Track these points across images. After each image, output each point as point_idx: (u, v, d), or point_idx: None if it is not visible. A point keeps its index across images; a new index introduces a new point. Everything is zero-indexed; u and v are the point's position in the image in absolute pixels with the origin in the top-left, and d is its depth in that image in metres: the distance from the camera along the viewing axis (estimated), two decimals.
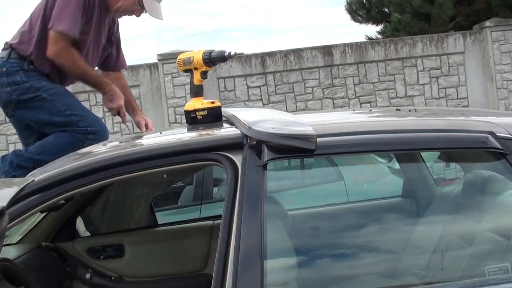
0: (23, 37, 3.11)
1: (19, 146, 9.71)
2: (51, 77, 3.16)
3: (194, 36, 56.76)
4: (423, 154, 2.74)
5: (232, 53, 2.46)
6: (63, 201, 2.40)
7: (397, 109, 2.57)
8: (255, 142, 1.88)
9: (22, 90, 3.04)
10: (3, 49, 3.16)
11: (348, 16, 13.74)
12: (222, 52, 2.47)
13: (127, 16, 3.27)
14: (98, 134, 2.98)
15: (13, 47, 3.11)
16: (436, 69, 9.78)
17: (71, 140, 2.95)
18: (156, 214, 3.68)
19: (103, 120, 8.89)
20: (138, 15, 3.21)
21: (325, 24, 51.66)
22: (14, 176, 2.94)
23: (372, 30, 24.78)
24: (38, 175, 2.08)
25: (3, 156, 3.17)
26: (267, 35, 57.04)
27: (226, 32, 59.39)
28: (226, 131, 2.13)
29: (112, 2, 3.15)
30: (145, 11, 3.16)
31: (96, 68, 3.42)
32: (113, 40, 3.38)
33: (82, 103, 3.29)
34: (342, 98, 9.69)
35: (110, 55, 3.40)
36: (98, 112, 9.01)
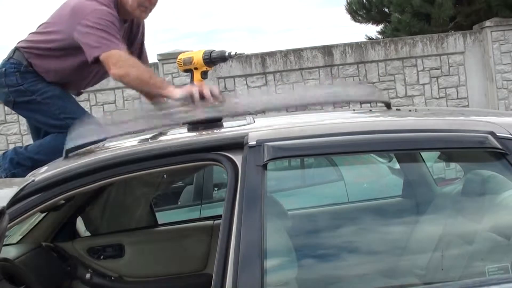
0: (39, 47, 3.00)
1: (19, 146, 9.68)
2: (48, 78, 3.07)
3: (188, 37, 56.62)
4: (423, 154, 2.74)
5: (233, 53, 2.47)
6: (63, 201, 2.41)
7: (397, 109, 2.57)
8: (255, 142, 1.88)
9: (18, 92, 3.02)
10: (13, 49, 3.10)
11: (348, 16, 13.75)
12: (223, 52, 2.47)
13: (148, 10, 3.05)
14: None
15: (17, 48, 3.06)
16: (436, 69, 9.78)
17: None
18: (156, 214, 3.68)
19: None
20: (154, 3, 3.01)
21: (321, 24, 51.64)
22: (13, 174, 2.94)
23: (372, 30, 24.84)
24: (38, 175, 2.08)
25: (4, 153, 3.16)
26: (262, 36, 56.98)
27: (221, 33, 59.27)
28: (226, 131, 2.13)
29: (126, 7, 2.97)
30: None
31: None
32: (136, 42, 3.25)
33: (82, 103, 3.27)
34: None
35: (134, 53, 3.24)
36: (98, 112, 9.00)
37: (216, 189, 5.95)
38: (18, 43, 3.11)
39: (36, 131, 3.25)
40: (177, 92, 2.57)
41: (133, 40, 3.23)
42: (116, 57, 2.74)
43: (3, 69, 3.05)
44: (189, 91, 2.48)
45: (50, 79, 3.05)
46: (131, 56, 2.80)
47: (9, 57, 3.07)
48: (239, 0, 58.95)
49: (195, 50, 2.55)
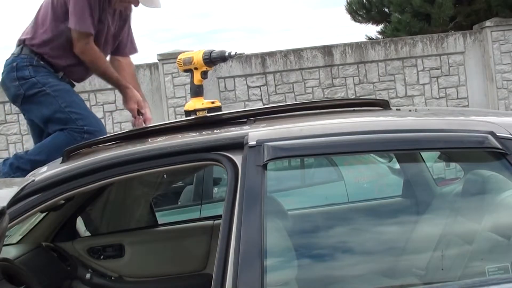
0: (36, 32, 3.17)
1: (19, 146, 9.74)
2: (64, 72, 3.22)
3: (187, 37, 56.62)
4: (423, 154, 2.74)
5: (233, 53, 2.47)
6: (63, 201, 2.40)
7: (397, 109, 2.57)
8: (255, 142, 1.88)
9: (29, 84, 3.11)
10: (17, 46, 3.23)
11: (348, 16, 13.76)
12: (223, 52, 2.47)
13: (127, 5, 3.31)
14: (94, 134, 3.00)
15: (25, 43, 3.18)
16: (436, 69, 9.78)
17: (68, 139, 2.97)
18: (156, 214, 3.68)
19: (103, 120, 8.93)
20: (136, 5, 3.26)
21: (321, 24, 51.64)
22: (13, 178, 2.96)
23: (372, 30, 24.82)
24: (38, 175, 2.08)
25: (5, 160, 3.21)
26: (262, 36, 56.99)
27: (220, 33, 59.28)
28: (226, 131, 2.13)
29: None
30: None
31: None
32: (124, 28, 3.41)
33: None
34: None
35: (121, 41, 3.44)
36: (98, 112, 9.01)
37: (216, 189, 5.96)
38: (24, 40, 3.18)
39: (38, 134, 3.27)
40: (129, 99, 3.23)
41: (122, 26, 3.38)
42: (85, 41, 3.10)
43: (15, 63, 3.15)
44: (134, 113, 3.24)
45: (63, 64, 3.18)
46: (96, 50, 3.16)
47: (18, 53, 3.17)
48: (238, 0, 58.99)
49: (195, 50, 2.56)
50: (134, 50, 3.54)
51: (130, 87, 3.28)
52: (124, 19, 3.38)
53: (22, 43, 3.19)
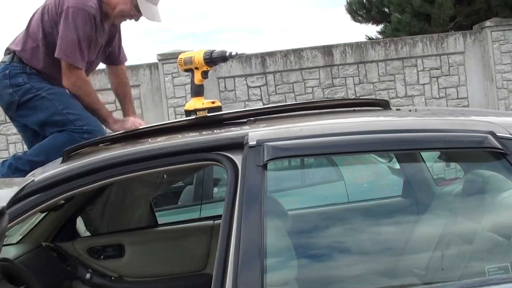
0: (25, 45, 3.14)
1: (19, 146, 9.72)
2: (54, 82, 3.19)
3: (186, 38, 56.52)
4: (423, 154, 2.74)
5: (234, 53, 2.47)
6: (63, 201, 2.41)
7: (397, 109, 2.57)
8: (255, 142, 1.89)
9: (23, 91, 3.09)
10: (6, 54, 3.20)
11: (348, 16, 13.75)
12: (223, 52, 2.48)
13: (127, 20, 3.30)
14: (94, 133, 2.99)
15: (15, 53, 3.15)
16: (436, 69, 9.77)
17: (67, 140, 2.96)
18: (156, 214, 3.68)
19: None
20: (136, 20, 3.24)
21: (320, 24, 51.59)
22: None
23: (372, 30, 24.84)
24: (38, 175, 2.08)
25: (4, 161, 3.20)
26: (261, 36, 56.87)
27: (219, 33, 59.16)
28: (226, 131, 2.13)
29: (110, 10, 3.16)
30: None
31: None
32: (114, 39, 3.40)
33: None
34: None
35: (113, 51, 3.43)
36: None
37: (216, 189, 5.96)
38: (14, 50, 3.16)
39: (32, 140, 3.25)
40: (116, 129, 3.07)
41: (113, 36, 3.36)
42: (75, 74, 3.06)
43: (7, 71, 3.13)
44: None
45: (54, 76, 3.12)
46: (87, 81, 3.15)
47: (10, 61, 3.15)
48: (237, 0, 58.98)
49: (195, 50, 2.56)
50: (124, 58, 3.53)
51: (117, 121, 3.23)
52: (113, 34, 3.36)
53: (12, 52, 3.16)
